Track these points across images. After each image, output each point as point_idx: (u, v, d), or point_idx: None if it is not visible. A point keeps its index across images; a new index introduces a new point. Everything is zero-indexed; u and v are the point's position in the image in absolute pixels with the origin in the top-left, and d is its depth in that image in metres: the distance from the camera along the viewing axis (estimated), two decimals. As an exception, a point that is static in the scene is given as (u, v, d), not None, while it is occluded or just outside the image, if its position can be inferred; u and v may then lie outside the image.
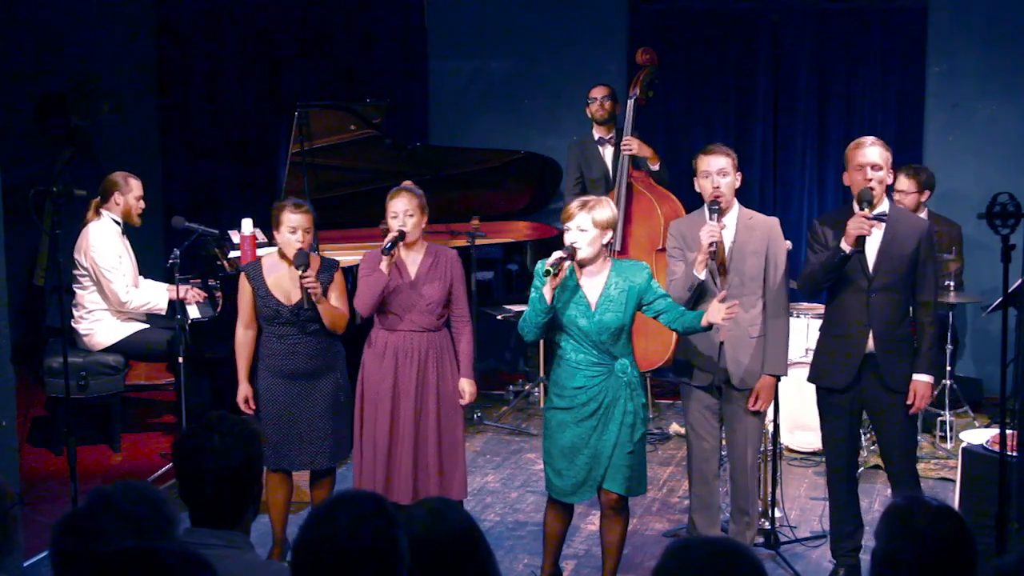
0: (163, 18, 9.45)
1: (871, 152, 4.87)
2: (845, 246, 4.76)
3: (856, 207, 4.79)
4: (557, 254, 4.64)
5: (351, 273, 6.11)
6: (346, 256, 7.19)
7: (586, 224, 4.67)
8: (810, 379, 5.17)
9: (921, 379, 4.92)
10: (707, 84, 8.58)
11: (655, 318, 4.81)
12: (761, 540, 5.45)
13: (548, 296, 4.65)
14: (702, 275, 4.90)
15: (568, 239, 4.71)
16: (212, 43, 9.37)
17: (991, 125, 8.10)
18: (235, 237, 7.20)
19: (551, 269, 4.57)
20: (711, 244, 4.85)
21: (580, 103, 7.78)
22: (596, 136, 7.66)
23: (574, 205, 4.73)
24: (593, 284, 4.76)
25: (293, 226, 5.14)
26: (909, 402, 4.92)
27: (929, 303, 4.95)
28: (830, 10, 8.43)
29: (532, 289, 4.75)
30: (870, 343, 4.91)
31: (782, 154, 7.38)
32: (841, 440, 5.07)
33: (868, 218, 4.74)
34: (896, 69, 8.33)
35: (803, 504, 6.18)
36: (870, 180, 4.83)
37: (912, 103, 8.29)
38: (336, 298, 5.31)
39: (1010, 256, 4.23)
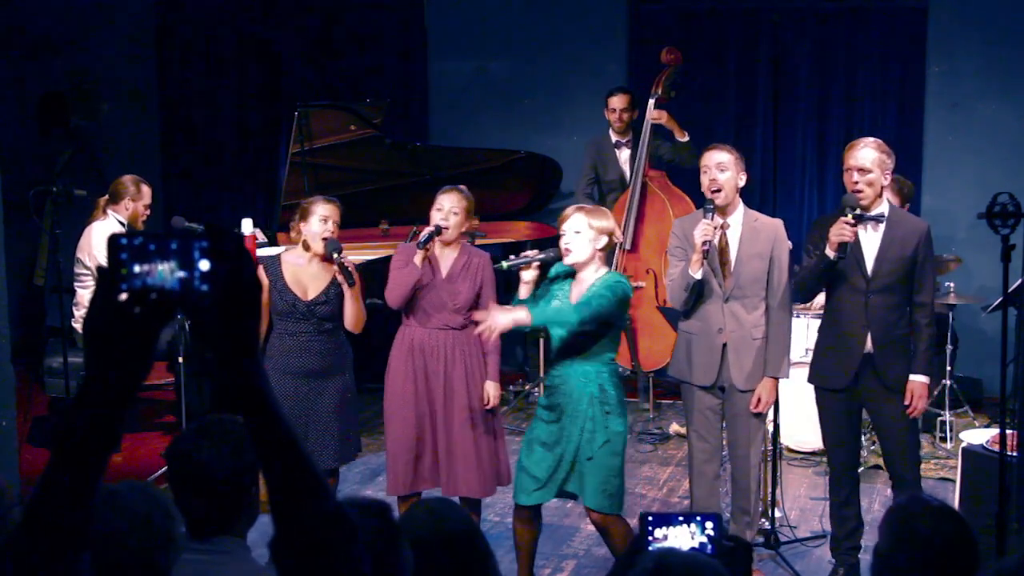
0: (163, 18, 9.46)
1: (860, 155, 4.81)
2: (829, 252, 4.75)
3: (844, 212, 4.76)
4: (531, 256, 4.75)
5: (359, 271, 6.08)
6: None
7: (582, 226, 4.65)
8: (809, 380, 5.16)
9: (918, 380, 4.88)
10: (707, 84, 8.57)
11: None
12: (761, 540, 5.46)
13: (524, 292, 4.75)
14: (698, 275, 4.87)
15: (562, 242, 4.68)
16: (212, 43, 9.38)
17: (991, 125, 8.09)
18: (235, 237, 7.19)
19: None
20: (704, 244, 4.84)
21: (580, 103, 7.76)
22: (613, 139, 7.63)
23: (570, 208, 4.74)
24: (579, 291, 4.69)
25: (325, 215, 5.10)
26: (906, 403, 4.89)
27: (927, 304, 4.92)
28: (830, 10, 8.43)
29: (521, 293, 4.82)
30: (868, 344, 4.89)
31: (782, 154, 7.37)
32: (841, 440, 5.06)
33: (850, 224, 4.70)
34: (896, 69, 8.33)
35: (803, 504, 6.18)
36: (856, 183, 4.81)
37: (912, 103, 8.29)
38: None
39: (1010, 256, 4.24)
